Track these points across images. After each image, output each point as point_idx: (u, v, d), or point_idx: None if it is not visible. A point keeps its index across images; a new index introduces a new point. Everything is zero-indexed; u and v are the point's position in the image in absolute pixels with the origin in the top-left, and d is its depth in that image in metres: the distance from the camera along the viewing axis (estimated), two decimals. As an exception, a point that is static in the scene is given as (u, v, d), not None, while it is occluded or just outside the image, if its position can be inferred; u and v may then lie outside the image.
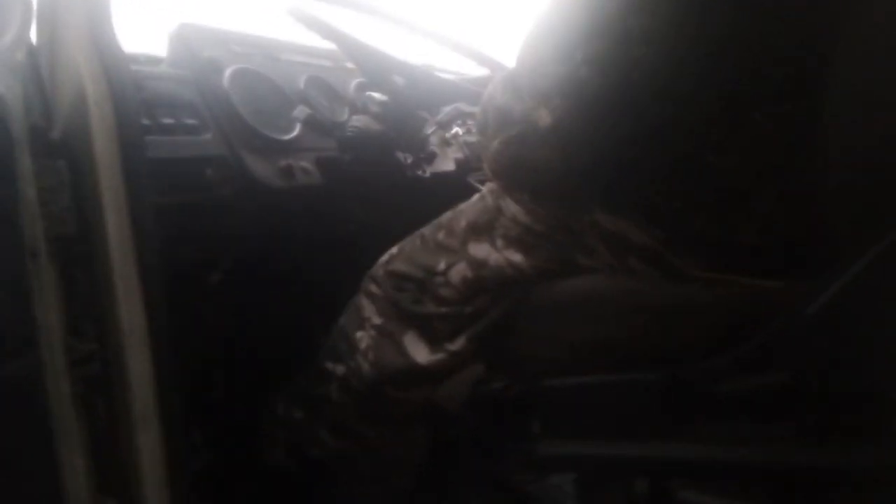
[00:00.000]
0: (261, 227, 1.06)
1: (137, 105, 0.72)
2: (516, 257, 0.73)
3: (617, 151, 0.61)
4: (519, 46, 0.67)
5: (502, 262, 0.74)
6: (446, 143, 1.39)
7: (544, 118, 0.62)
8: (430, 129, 1.21)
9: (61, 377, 0.64)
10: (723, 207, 0.62)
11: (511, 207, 0.73)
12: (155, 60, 1.00)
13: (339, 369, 0.90)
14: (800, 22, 0.55)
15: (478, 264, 0.75)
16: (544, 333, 0.76)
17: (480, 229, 0.76)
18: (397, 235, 0.98)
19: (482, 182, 1.48)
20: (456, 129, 1.50)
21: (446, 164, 1.37)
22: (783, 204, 0.60)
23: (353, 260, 1.14)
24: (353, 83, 1.33)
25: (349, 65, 1.40)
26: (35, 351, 0.60)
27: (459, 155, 1.47)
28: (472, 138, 1.61)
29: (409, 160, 1.13)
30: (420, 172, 1.16)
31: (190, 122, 0.88)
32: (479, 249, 0.75)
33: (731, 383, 0.69)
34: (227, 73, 0.99)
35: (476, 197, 0.81)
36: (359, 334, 0.88)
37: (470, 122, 1.60)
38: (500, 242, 0.74)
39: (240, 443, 1.02)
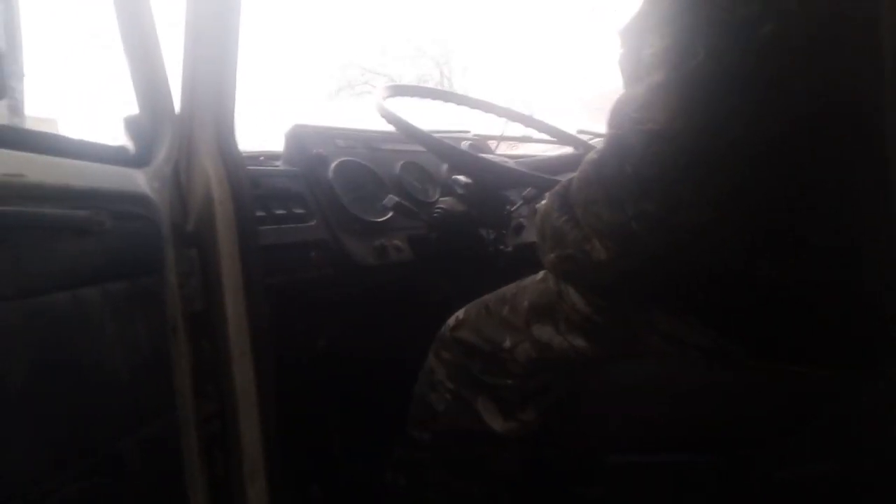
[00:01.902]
0: (360, 298, 1.17)
1: (252, 202, 0.86)
2: (579, 342, 0.77)
3: (669, 273, 0.66)
4: (576, 177, 0.71)
5: (566, 346, 0.78)
6: (535, 213, 1.48)
7: (598, 251, 0.67)
8: (516, 205, 1.30)
9: (191, 434, 0.76)
10: (775, 308, 0.65)
11: (571, 295, 0.78)
12: (275, 157, 1.17)
13: (426, 436, 0.96)
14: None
15: (542, 346, 0.80)
16: (606, 411, 0.80)
17: (543, 311, 0.81)
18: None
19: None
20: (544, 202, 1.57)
21: (532, 235, 1.44)
22: (838, 297, 0.62)
23: (438, 328, 1.23)
24: (445, 166, 1.45)
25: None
26: (174, 410, 0.72)
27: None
28: (536, 218, 1.68)
29: (492, 236, 1.22)
30: (502, 246, 1.24)
31: (298, 211, 1.02)
32: (543, 332, 0.80)
33: (787, 470, 0.69)
34: (332, 166, 1.14)
35: (539, 275, 0.87)
36: (433, 397, 0.94)
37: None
38: (563, 326, 0.79)
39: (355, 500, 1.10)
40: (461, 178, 1.19)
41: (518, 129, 1.96)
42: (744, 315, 0.66)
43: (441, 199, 1.19)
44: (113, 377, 0.63)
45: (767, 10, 0.58)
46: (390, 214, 1.19)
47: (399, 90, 1.15)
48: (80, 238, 0.61)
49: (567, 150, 1.77)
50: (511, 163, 1.17)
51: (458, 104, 1.30)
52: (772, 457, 0.67)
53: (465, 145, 1.63)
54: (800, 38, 0.59)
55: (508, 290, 0.90)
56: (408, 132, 1.01)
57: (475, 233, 1.20)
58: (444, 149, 1.07)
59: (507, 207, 1.25)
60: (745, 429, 0.69)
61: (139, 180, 0.72)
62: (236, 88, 0.84)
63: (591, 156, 0.69)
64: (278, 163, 1.17)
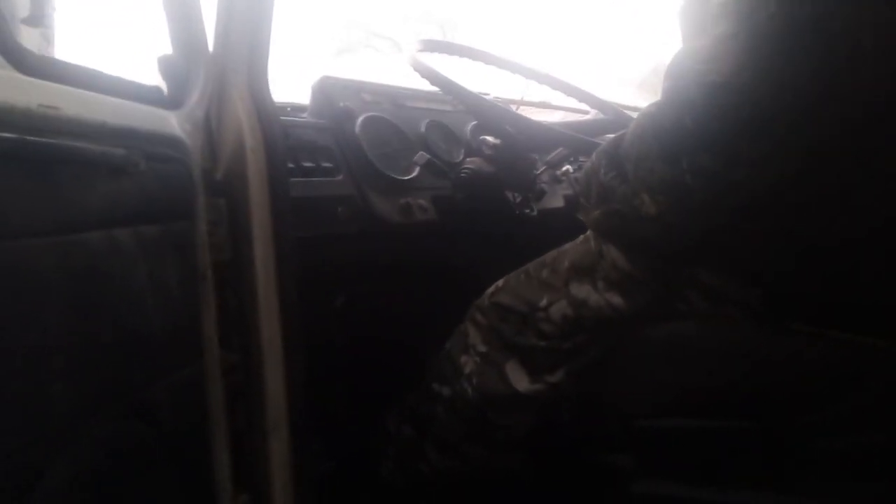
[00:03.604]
0: (382, 258, 1.16)
1: (285, 152, 0.84)
2: (616, 299, 0.77)
3: (722, 232, 0.65)
4: (628, 132, 0.70)
5: (602, 304, 0.78)
6: (556, 180, 1.45)
7: (647, 206, 0.66)
8: (539, 169, 1.28)
9: (217, 384, 0.75)
10: (828, 270, 0.64)
11: (612, 253, 0.78)
12: (300, 108, 1.14)
13: (446, 391, 0.97)
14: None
15: (578, 303, 0.80)
16: (640, 374, 0.79)
17: (582, 270, 0.81)
18: (504, 269, 1.05)
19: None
20: (566, 167, 1.55)
21: (556, 200, 1.42)
22: (891, 264, 0.61)
23: (461, 290, 1.22)
24: (469, 125, 1.42)
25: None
26: (201, 359, 0.71)
27: (569, 191, 1.52)
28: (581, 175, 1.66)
29: (518, 199, 1.20)
30: (528, 211, 1.22)
31: (326, 165, 1.00)
32: (581, 290, 0.80)
33: (828, 440, 0.68)
34: (359, 120, 1.11)
35: (580, 238, 0.86)
36: (463, 359, 0.95)
37: (580, 159, 1.65)
38: (601, 284, 0.78)
39: (356, 454, 1.11)
40: (489, 138, 1.17)
41: (537, 95, 1.93)
42: (795, 276, 0.65)
43: (468, 159, 1.17)
44: (145, 322, 0.62)
45: None
46: (416, 172, 1.17)
47: (432, 45, 1.11)
48: (116, 178, 0.60)
49: (594, 115, 1.74)
50: (547, 124, 1.14)
51: (492, 65, 1.26)
52: (815, 425, 0.66)
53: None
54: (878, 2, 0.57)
55: (549, 255, 0.89)
56: (446, 87, 0.98)
57: (501, 196, 1.18)
58: (483, 105, 1.04)
59: (534, 171, 1.22)
60: (788, 395, 0.68)
61: (172, 122, 0.70)
62: (271, 32, 0.82)
63: (647, 109, 0.67)
64: (304, 115, 1.14)
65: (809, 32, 0.57)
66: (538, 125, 1.07)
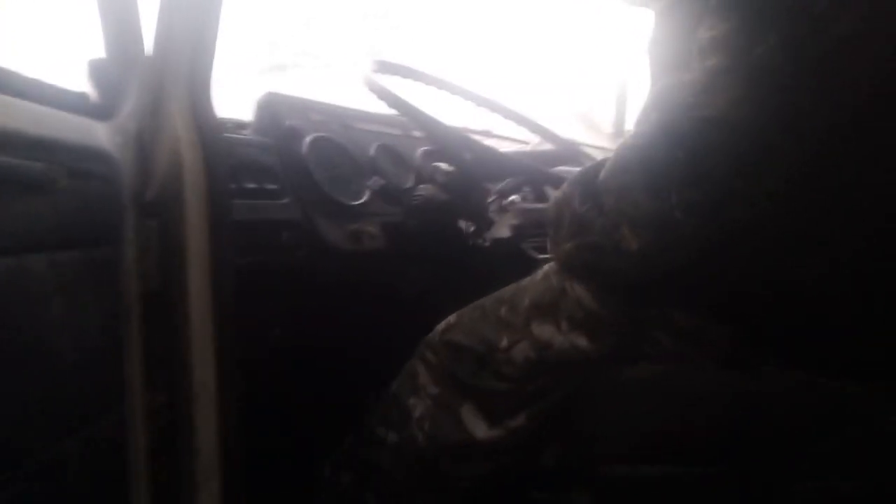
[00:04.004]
0: (324, 287, 1.09)
1: (227, 172, 0.76)
2: (581, 341, 0.73)
3: (700, 269, 0.62)
4: (608, 163, 0.67)
5: (566, 346, 0.74)
6: (503, 209, 1.42)
7: (629, 241, 0.63)
8: (491, 198, 1.24)
9: (140, 430, 0.66)
10: (801, 312, 0.62)
11: (577, 290, 0.74)
12: (241, 125, 1.06)
13: (392, 436, 0.90)
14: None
15: (542, 345, 0.75)
16: (606, 418, 0.75)
17: (544, 309, 0.76)
18: (455, 300, 1.00)
19: (536, 249, 1.50)
20: (513, 197, 1.53)
21: (502, 230, 1.39)
22: (870, 308, 0.60)
23: (408, 323, 1.16)
24: (420, 151, 1.38)
25: (416, 133, 1.46)
26: (121, 406, 0.62)
27: (515, 221, 1.49)
28: (528, 205, 1.64)
29: (471, 229, 1.16)
30: (480, 241, 1.18)
31: (270, 187, 0.93)
32: (544, 330, 0.76)
33: (802, 485, 0.66)
34: (307, 140, 1.04)
35: (539, 275, 0.82)
36: (412, 401, 0.89)
37: (526, 189, 1.63)
38: (564, 325, 0.74)
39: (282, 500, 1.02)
40: (442, 165, 1.12)
41: (481, 123, 1.91)
42: (772, 318, 0.63)
43: (421, 186, 1.12)
44: (57, 365, 0.53)
45: (847, 5, 0.54)
46: (366, 197, 1.11)
47: (386, 67, 1.07)
48: (29, 195, 0.51)
49: (535, 145, 1.73)
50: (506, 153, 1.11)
51: (444, 90, 1.22)
52: (789, 471, 0.64)
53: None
54: (878, 39, 0.56)
55: (506, 291, 0.85)
56: (404, 109, 0.93)
57: (454, 225, 1.13)
58: (443, 131, 1.00)
59: (486, 201, 1.19)
60: (761, 440, 0.66)
61: (100, 134, 0.62)
62: (217, 37, 0.74)
63: (631, 141, 0.64)
64: (245, 132, 1.06)
65: (815, 68, 0.56)
66: (499, 153, 1.04)
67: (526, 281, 0.84)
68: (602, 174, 0.67)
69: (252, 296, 0.94)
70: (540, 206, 1.72)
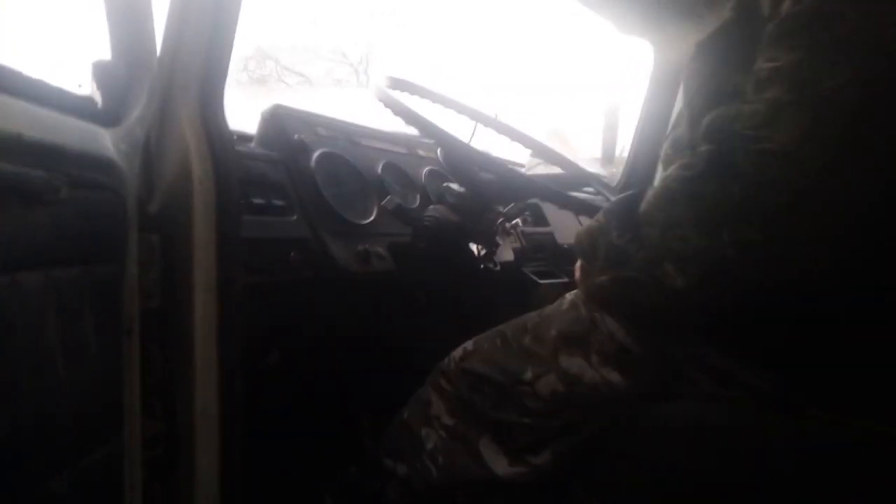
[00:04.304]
0: (327, 309, 1.04)
1: (238, 188, 0.71)
2: (613, 376, 0.69)
3: (745, 309, 0.59)
4: (652, 195, 0.64)
5: (598, 381, 0.70)
6: (506, 232, 1.39)
7: (673, 278, 0.60)
8: (499, 221, 1.21)
9: (136, 463, 0.61)
10: (849, 356, 0.59)
11: (608, 323, 0.70)
12: (246, 138, 1.02)
13: (401, 468, 0.85)
14: None
15: (571, 379, 0.71)
16: (638, 456, 0.71)
17: (573, 341, 0.72)
18: (465, 326, 0.95)
19: (537, 273, 1.46)
20: (517, 221, 1.49)
21: (506, 253, 1.35)
22: None
23: (415, 349, 1.11)
24: (425, 170, 1.34)
25: (421, 153, 1.43)
26: (120, 435, 0.57)
27: (517, 245, 1.45)
28: (529, 229, 1.61)
29: (483, 252, 1.12)
30: (491, 265, 1.14)
31: (278, 203, 0.89)
32: (573, 363, 0.71)
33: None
34: (315, 156, 1.00)
35: (565, 304, 0.78)
36: (424, 431, 0.84)
37: (527, 213, 1.59)
38: (595, 359, 0.70)
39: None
40: (454, 186, 1.09)
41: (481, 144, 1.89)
42: (818, 361, 0.59)
43: (431, 206, 1.08)
44: (53, 392, 0.48)
45: None
46: (373, 217, 1.06)
47: (397, 83, 1.03)
48: (27, 206, 0.46)
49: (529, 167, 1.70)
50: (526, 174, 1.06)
51: (451, 109, 1.19)
52: None
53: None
54: None
55: (528, 319, 0.80)
56: (422, 126, 0.89)
57: (465, 247, 1.09)
58: (464, 149, 0.96)
59: (501, 221, 1.15)
60: (801, 486, 0.62)
61: (106, 142, 0.57)
62: (233, 43, 0.70)
63: (678, 172, 0.61)
64: (251, 145, 1.02)
65: (888, 105, 0.53)
66: (520, 174, 1.00)
67: (550, 309, 0.79)
68: (644, 205, 0.63)
69: (253, 317, 0.89)
70: (540, 229, 1.69)
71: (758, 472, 0.65)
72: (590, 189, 1.54)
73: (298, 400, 1.11)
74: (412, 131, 1.32)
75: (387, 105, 0.89)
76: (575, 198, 0.98)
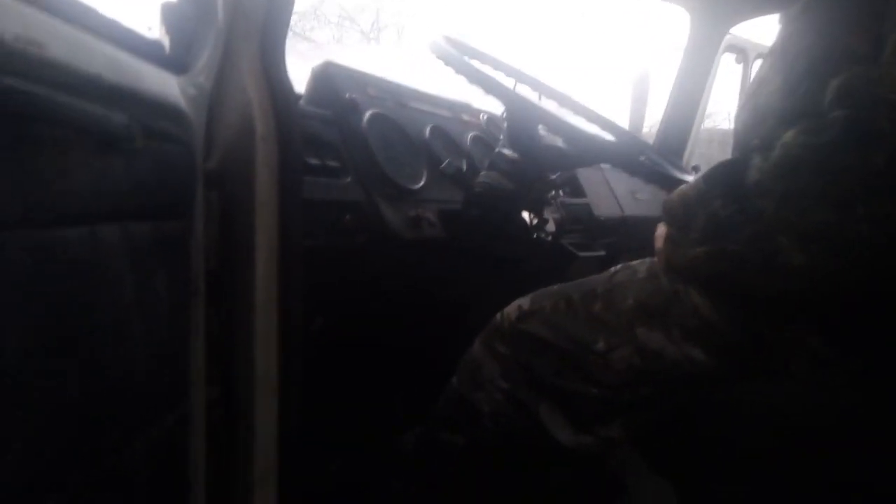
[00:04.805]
0: (375, 275, 1.01)
1: (301, 146, 0.68)
2: (696, 353, 0.66)
3: (865, 294, 0.55)
4: (767, 164, 0.59)
5: (679, 357, 0.66)
6: (548, 204, 1.35)
7: (789, 254, 0.55)
8: (550, 191, 1.17)
9: (200, 431, 0.59)
10: None
11: (693, 297, 0.66)
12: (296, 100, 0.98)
13: (460, 440, 0.82)
14: None
15: (650, 354, 0.68)
16: (714, 433, 0.68)
17: (652, 313, 0.69)
18: (515, 296, 0.92)
19: (575, 246, 1.43)
20: (558, 191, 1.45)
21: (550, 225, 1.31)
22: None
23: (463, 318, 1.08)
24: (469, 136, 1.30)
25: (465, 117, 1.38)
26: (187, 400, 0.55)
27: (556, 215, 1.42)
28: (567, 200, 1.56)
29: (535, 221, 1.08)
30: (543, 234, 1.10)
31: (332, 164, 0.85)
32: (652, 338, 0.68)
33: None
34: (366, 116, 0.96)
35: (642, 272, 0.74)
36: (478, 395, 0.81)
37: (565, 185, 1.55)
38: (676, 333, 0.67)
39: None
40: (507, 152, 1.05)
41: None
42: None
43: (483, 173, 1.04)
44: (128, 353, 0.46)
45: None
46: (423, 182, 1.03)
47: (455, 44, 0.98)
48: (106, 154, 0.43)
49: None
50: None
51: (506, 74, 1.14)
52: None
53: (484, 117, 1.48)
54: None
55: (597, 284, 0.76)
56: (490, 85, 0.85)
57: (517, 215, 1.05)
58: (538, 111, 0.91)
59: (550, 190, 1.11)
60: (886, 469, 0.59)
61: (175, 90, 0.54)
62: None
63: (801, 139, 0.56)
64: (299, 103, 0.98)
65: None
66: (594, 137, 0.95)
67: (622, 276, 0.75)
68: (756, 174, 0.58)
69: (305, 280, 0.87)
70: (578, 200, 1.64)
71: (840, 455, 0.62)
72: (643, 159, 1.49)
73: (341, 368, 1.09)
74: (453, 96, 1.28)
75: (448, 62, 0.85)
76: (642, 162, 0.93)
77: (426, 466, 0.85)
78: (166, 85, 0.53)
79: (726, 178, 0.62)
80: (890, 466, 0.60)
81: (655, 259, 0.72)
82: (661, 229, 0.71)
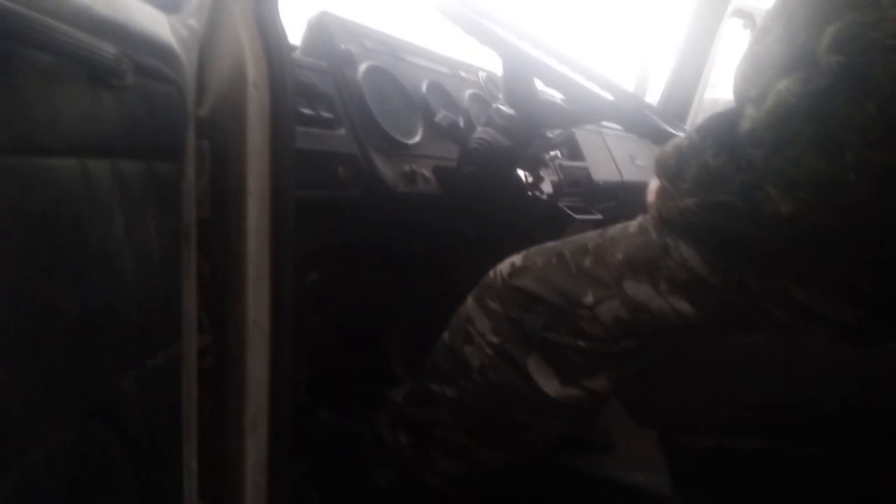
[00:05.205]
0: (369, 230, 1.02)
1: (294, 93, 0.68)
2: (683, 306, 0.66)
3: (848, 243, 0.55)
4: (761, 113, 0.58)
5: (666, 309, 0.67)
6: (545, 164, 1.34)
7: (777, 203, 0.55)
8: (547, 149, 1.16)
9: (192, 372, 0.59)
10: None
11: (682, 251, 0.67)
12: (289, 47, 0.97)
13: (450, 391, 0.83)
14: None
15: (636, 306, 0.68)
16: (697, 386, 0.69)
17: (640, 267, 0.69)
18: (505, 254, 0.92)
19: (573, 209, 1.43)
20: (556, 152, 1.44)
21: (545, 185, 1.31)
22: None
23: (454, 275, 1.09)
24: (467, 93, 1.29)
25: (463, 74, 1.37)
26: (178, 342, 0.55)
27: (555, 178, 1.41)
28: (566, 163, 1.56)
29: (530, 179, 1.08)
30: (538, 193, 1.11)
31: (326, 115, 0.84)
32: (639, 291, 0.68)
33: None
34: (361, 68, 0.95)
35: (633, 227, 0.74)
36: (468, 350, 0.82)
37: (564, 148, 1.54)
38: (664, 286, 0.67)
39: (330, 456, 0.96)
40: (503, 108, 1.04)
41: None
42: None
43: (479, 128, 1.03)
44: (120, 288, 0.46)
45: None
46: (419, 137, 1.02)
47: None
48: (96, 88, 0.43)
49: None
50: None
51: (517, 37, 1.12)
52: None
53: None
54: None
55: (589, 239, 0.77)
56: (486, 36, 0.84)
57: (513, 173, 1.05)
58: (538, 66, 0.90)
59: (547, 149, 1.11)
60: (877, 419, 0.60)
61: (166, 29, 0.53)
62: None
63: (794, 87, 0.56)
64: (294, 54, 0.97)
65: None
66: (591, 93, 0.94)
67: (614, 231, 0.76)
68: (749, 124, 0.58)
69: (297, 232, 0.87)
70: (576, 164, 1.64)
71: (826, 403, 0.64)
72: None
73: (335, 320, 1.10)
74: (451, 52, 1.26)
75: (443, 11, 0.84)
76: (644, 119, 0.92)
77: (415, 415, 0.86)
78: (157, 22, 0.52)
79: (719, 129, 0.62)
80: (871, 418, 0.62)
81: (647, 215, 0.73)
82: (654, 183, 0.71)
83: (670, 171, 0.66)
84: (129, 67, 0.46)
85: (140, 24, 0.48)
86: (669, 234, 0.67)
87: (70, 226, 0.40)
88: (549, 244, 0.81)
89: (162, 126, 0.52)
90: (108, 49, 0.41)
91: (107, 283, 0.44)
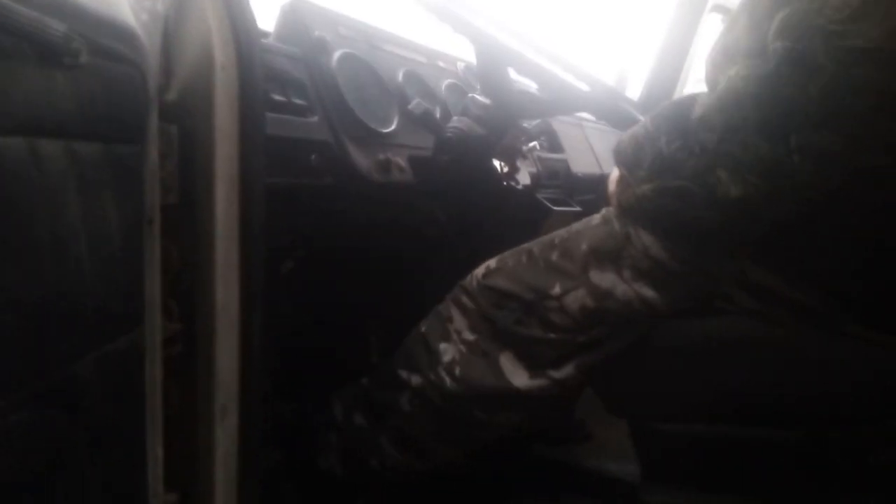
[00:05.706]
0: (343, 219, 1.01)
1: (263, 77, 0.67)
2: (647, 292, 0.67)
3: (798, 225, 0.56)
4: (712, 98, 0.59)
5: (631, 296, 0.68)
6: (523, 155, 1.34)
7: (727, 186, 0.57)
8: (523, 139, 1.16)
9: (156, 359, 0.59)
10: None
11: (643, 238, 0.67)
12: (262, 33, 0.96)
13: (415, 379, 0.84)
14: None
15: (601, 294, 0.69)
16: (664, 373, 0.70)
17: (604, 256, 0.70)
18: (484, 244, 0.93)
19: (551, 200, 1.43)
20: (534, 143, 1.44)
21: (523, 177, 1.31)
22: None
23: (430, 264, 1.09)
24: (445, 83, 1.29)
25: (441, 64, 1.36)
26: (140, 328, 0.55)
27: (533, 169, 1.41)
28: (545, 154, 1.56)
29: (506, 169, 1.08)
30: (514, 183, 1.10)
31: (299, 102, 0.84)
32: (604, 279, 0.69)
33: (879, 455, 0.61)
34: (336, 56, 0.95)
35: (597, 219, 0.75)
36: (443, 346, 0.83)
37: (542, 137, 1.54)
38: (627, 273, 0.68)
39: (291, 442, 0.96)
40: (479, 97, 1.04)
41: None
42: (863, 278, 0.57)
43: (455, 118, 1.03)
44: (75, 270, 0.45)
45: None
46: (395, 126, 1.02)
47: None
48: (47, 67, 0.42)
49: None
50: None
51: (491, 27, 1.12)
52: (867, 438, 0.59)
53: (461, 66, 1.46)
54: None
55: (556, 235, 0.78)
56: (459, 23, 0.84)
57: (488, 163, 1.05)
58: (510, 55, 0.90)
59: (525, 142, 1.11)
60: (839, 404, 0.61)
61: (125, 9, 0.52)
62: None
63: (743, 72, 0.56)
64: (267, 40, 0.96)
65: None
66: (565, 82, 0.94)
67: (579, 225, 0.77)
68: (700, 109, 0.59)
69: (270, 220, 0.86)
70: (555, 156, 1.64)
71: (789, 388, 0.64)
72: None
73: (310, 309, 1.10)
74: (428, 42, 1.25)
75: (430, 9, 0.83)
76: (620, 109, 0.93)
77: (375, 397, 0.87)
78: (116, 3, 0.51)
79: (673, 116, 0.63)
80: (837, 403, 0.63)
81: (611, 206, 0.73)
82: (615, 172, 0.71)
83: (627, 159, 0.66)
84: (83, 46, 0.45)
85: (96, 4, 0.47)
86: (630, 222, 0.68)
87: (18, 206, 0.39)
88: (522, 246, 0.82)
89: (120, 107, 0.51)
90: (56, 26, 0.40)
91: (59, 266, 0.43)
